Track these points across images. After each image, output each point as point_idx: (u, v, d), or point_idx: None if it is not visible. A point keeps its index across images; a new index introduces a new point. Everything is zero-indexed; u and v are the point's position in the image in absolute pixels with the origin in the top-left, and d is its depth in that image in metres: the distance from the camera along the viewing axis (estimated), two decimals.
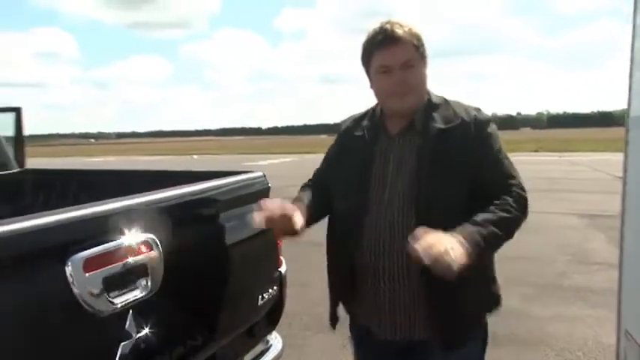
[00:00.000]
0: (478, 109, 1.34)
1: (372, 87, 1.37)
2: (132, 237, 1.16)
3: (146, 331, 1.16)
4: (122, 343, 1.11)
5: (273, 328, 1.85)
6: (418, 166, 1.28)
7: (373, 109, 1.43)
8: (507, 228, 1.23)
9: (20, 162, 3.00)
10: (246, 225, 1.64)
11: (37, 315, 0.99)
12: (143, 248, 1.17)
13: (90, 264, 1.05)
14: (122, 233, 1.15)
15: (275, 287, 1.73)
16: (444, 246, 1.07)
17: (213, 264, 1.44)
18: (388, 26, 1.28)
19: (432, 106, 1.33)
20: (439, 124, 1.30)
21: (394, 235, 1.26)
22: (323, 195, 1.41)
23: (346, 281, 1.35)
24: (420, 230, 1.11)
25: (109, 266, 1.09)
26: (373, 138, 1.36)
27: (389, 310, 1.29)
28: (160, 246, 1.21)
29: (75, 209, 1.10)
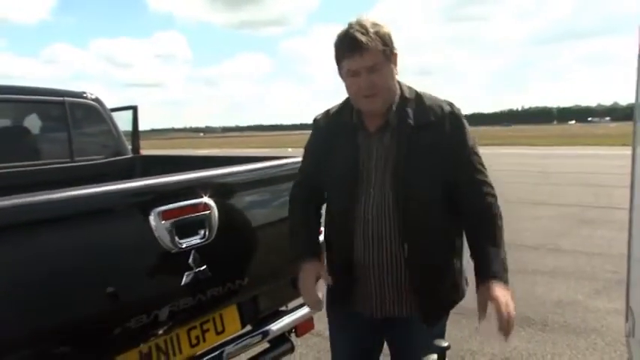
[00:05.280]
0: (451, 104, 1.41)
1: (346, 86, 1.42)
2: (196, 199, 1.61)
3: (204, 267, 1.61)
4: (186, 273, 1.56)
5: None
6: (396, 162, 1.36)
7: (346, 103, 1.48)
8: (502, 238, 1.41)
9: (136, 149, 3.75)
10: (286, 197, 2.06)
11: (132, 246, 1.49)
12: (203, 207, 1.62)
13: (166, 215, 1.52)
14: (189, 196, 1.61)
15: None
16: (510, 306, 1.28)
17: (256, 225, 1.86)
18: (353, 32, 1.30)
19: (405, 101, 1.39)
20: (413, 121, 1.36)
21: (381, 228, 1.39)
22: (318, 214, 1.58)
23: (344, 270, 1.47)
24: (488, 295, 1.30)
25: (179, 218, 1.55)
26: (354, 135, 1.43)
27: (378, 295, 1.44)
28: (215, 207, 1.65)
29: (157, 177, 1.60)
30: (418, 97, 1.42)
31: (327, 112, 1.55)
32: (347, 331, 1.62)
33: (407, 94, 1.42)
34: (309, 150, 1.60)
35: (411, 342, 1.50)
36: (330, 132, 1.49)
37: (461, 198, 1.41)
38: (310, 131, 1.62)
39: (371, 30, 1.30)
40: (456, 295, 1.52)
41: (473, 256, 1.43)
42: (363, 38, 1.29)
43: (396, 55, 1.38)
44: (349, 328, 1.61)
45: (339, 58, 1.37)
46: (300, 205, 1.61)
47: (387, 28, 1.35)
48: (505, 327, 1.28)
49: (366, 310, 1.49)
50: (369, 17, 1.36)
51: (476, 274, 1.39)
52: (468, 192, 1.41)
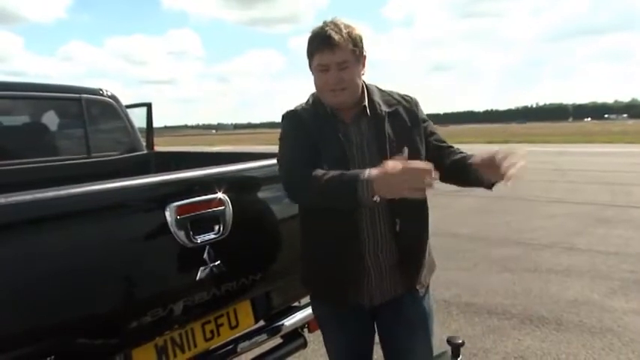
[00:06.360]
0: (406, 94, 1.59)
1: (314, 80, 1.50)
2: (211, 195, 1.63)
3: (218, 262, 1.63)
4: (201, 268, 1.58)
5: None
6: (379, 146, 1.46)
7: (317, 98, 1.54)
8: None
9: (150, 145, 3.79)
10: None
11: (148, 241, 1.51)
12: (218, 203, 1.64)
13: (181, 210, 1.53)
14: (204, 192, 1.63)
15: None
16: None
17: (270, 221, 1.88)
18: (327, 29, 1.40)
19: (372, 94, 1.53)
20: (385, 108, 1.51)
21: (374, 210, 1.46)
22: None
23: (347, 260, 1.50)
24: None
25: (194, 213, 1.57)
26: (334, 125, 1.49)
27: (376, 277, 1.51)
28: (230, 203, 1.67)
29: (172, 173, 1.62)
30: (380, 90, 1.58)
31: (300, 107, 1.57)
32: (345, 332, 1.64)
33: (371, 89, 1.56)
34: (297, 144, 1.48)
35: (405, 320, 1.58)
36: (311, 125, 1.50)
37: (435, 155, 1.54)
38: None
39: (344, 30, 1.42)
40: (433, 267, 1.67)
41: (459, 163, 1.51)
42: (336, 36, 1.40)
43: (365, 57, 1.49)
44: (347, 328, 1.63)
45: (312, 53, 1.46)
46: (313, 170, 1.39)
47: (359, 31, 1.45)
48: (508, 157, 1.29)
49: (366, 299, 1.54)
50: (343, 19, 1.46)
51: (468, 166, 1.45)
52: (440, 147, 1.58)
